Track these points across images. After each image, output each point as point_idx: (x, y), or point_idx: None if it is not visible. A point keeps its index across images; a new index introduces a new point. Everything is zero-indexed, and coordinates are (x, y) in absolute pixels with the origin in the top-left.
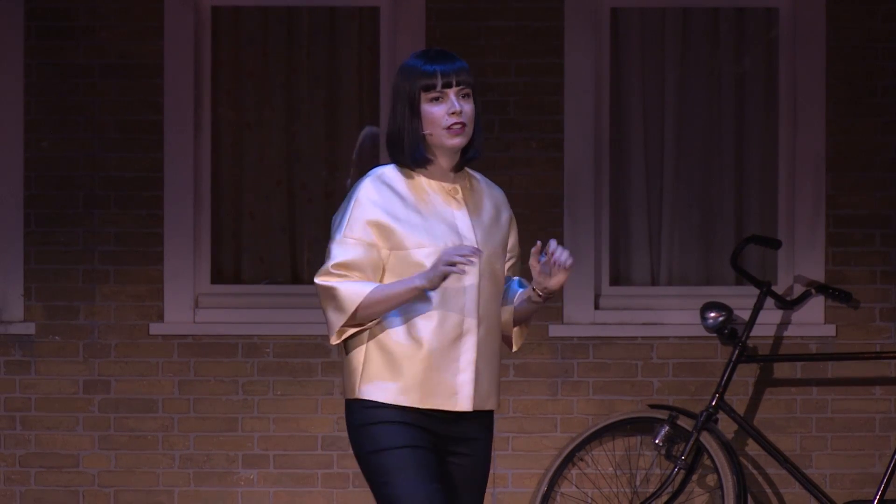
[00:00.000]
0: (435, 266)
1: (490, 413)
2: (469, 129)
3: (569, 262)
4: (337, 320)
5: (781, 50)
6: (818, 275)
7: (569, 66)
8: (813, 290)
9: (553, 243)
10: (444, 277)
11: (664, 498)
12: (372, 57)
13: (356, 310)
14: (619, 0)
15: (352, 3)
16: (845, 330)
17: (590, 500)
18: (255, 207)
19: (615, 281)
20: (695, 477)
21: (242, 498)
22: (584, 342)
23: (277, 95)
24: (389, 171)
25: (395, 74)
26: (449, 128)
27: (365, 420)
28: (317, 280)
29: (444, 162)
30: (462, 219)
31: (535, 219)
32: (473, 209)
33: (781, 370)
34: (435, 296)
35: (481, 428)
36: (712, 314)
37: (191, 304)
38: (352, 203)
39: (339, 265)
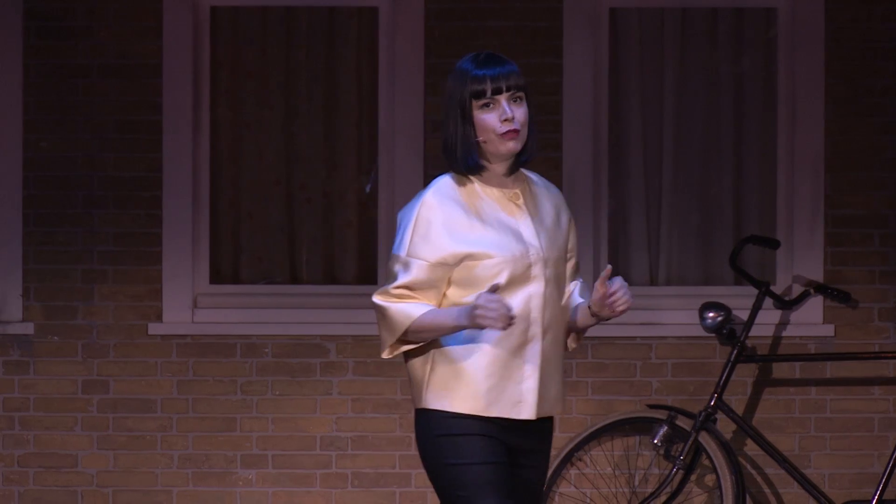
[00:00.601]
0: (471, 312)
1: (551, 422)
2: (523, 133)
3: (621, 308)
4: (387, 339)
5: (780, 50)
6: (817, 275)
7: (568, 66)
8: (812, 290)
9: (616, 283)
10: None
11: (663, 498)
12: (371, 57)
13: (406, 331)
14: (617, 0)
15: (351, 4)
16: (844, 330)
17: (588, 500)
18: (254, 207)
19: None
20: (693, 477)
21: (241, 498)
22: (582, 342)
23: (276, 95)
24: (448, 182)
25: (448, 79)
26: (502, 134)
27: (444, 430)
28: (374, 298)
29: (498, 167)
30: (526, 226)
31: None
32: (535, 214)
33: (780, 370)
34: None
35: (543, 438)
36: (711, 314)
37: (189, 304)
38: (413, 219)
39: (401, 286)
